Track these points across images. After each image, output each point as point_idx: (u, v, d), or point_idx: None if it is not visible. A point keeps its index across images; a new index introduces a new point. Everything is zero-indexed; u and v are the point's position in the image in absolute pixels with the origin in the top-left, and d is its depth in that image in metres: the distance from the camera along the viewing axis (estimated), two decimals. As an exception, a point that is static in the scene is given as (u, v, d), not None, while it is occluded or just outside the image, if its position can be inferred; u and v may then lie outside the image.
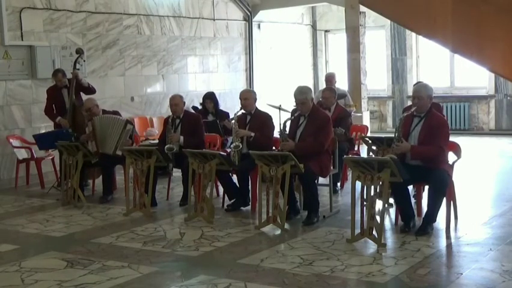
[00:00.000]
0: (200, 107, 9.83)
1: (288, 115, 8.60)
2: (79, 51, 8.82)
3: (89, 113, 8.15)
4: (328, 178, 6.89)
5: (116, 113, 8.45)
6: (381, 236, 5.56)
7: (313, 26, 16.16)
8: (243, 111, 7.42)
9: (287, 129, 6.72)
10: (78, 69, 8.78)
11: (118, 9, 11.37)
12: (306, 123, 6.68)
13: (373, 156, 7.00)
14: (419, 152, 6.00)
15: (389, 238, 5.87)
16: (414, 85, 6.94)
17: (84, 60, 9.30)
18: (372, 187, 5.62)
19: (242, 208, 7.22)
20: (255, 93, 7.61)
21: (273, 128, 7.43)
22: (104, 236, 6.30)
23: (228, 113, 9.45)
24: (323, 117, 6.73)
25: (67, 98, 8.73)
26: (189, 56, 12.83)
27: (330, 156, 6.76)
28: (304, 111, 6.68)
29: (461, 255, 5.37)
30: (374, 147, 7.20)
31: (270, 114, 7.54)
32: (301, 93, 6.66)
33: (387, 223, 6.32)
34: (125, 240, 6.12)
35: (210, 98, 9.62)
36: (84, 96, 8.93)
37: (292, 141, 6.62)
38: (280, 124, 8.14)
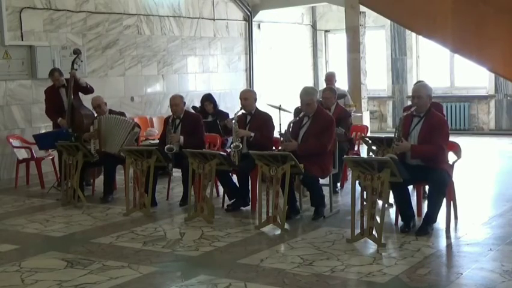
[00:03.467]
0: (199, 109, 9.80)
1: (288, 115, 8.61)
2: (77, 52, 8.80)
3: (99, 109, 8.21)
4: (328, 178, 6.89)
5: (122, 114, 8.46)
6: (381, 236, 5.56)
7: (313, 26, 16.16)
8: (243, 111, 7.42)
9: (291, 129, 6.73)
10: (76, 70, 8.77)
11: (118, 9, 11.37)
12: (310, 123, 6.67)
13: (373, 156, 7.00)
14: (419, 150, 5.99)
15: (389, 238, 5.86)
16: (414, 85, 6.94)
17: (82, 61, 9.30)
18: (372, 187, 5.62)
19: (242, 208, 7.22)
20: (255, 93, 7.61)
21: (273, 128, 7.43)
22: (104, 236, 6.29)
23: (227, 113, 9.44)
24: (327, 118, 6.72)
25: (65, 98, 8.73)
26: (189, 56, 12.83)
27: (331, 157, 6.76)
28: (309, 112, 6.68)
29: (461, 255, 5.37)
30: (374, 147, 7.20)
31: (270, 114, 7.53)
32: (307, 94, 6.65)
33: (387, 223, 6.32)
34: (125, 240, 6.11)
35: (208, 99, 9.58)
36: (82, 96, 8.94)
37: (296, 142, 6.62)
38: (280, 124, 8.14)
